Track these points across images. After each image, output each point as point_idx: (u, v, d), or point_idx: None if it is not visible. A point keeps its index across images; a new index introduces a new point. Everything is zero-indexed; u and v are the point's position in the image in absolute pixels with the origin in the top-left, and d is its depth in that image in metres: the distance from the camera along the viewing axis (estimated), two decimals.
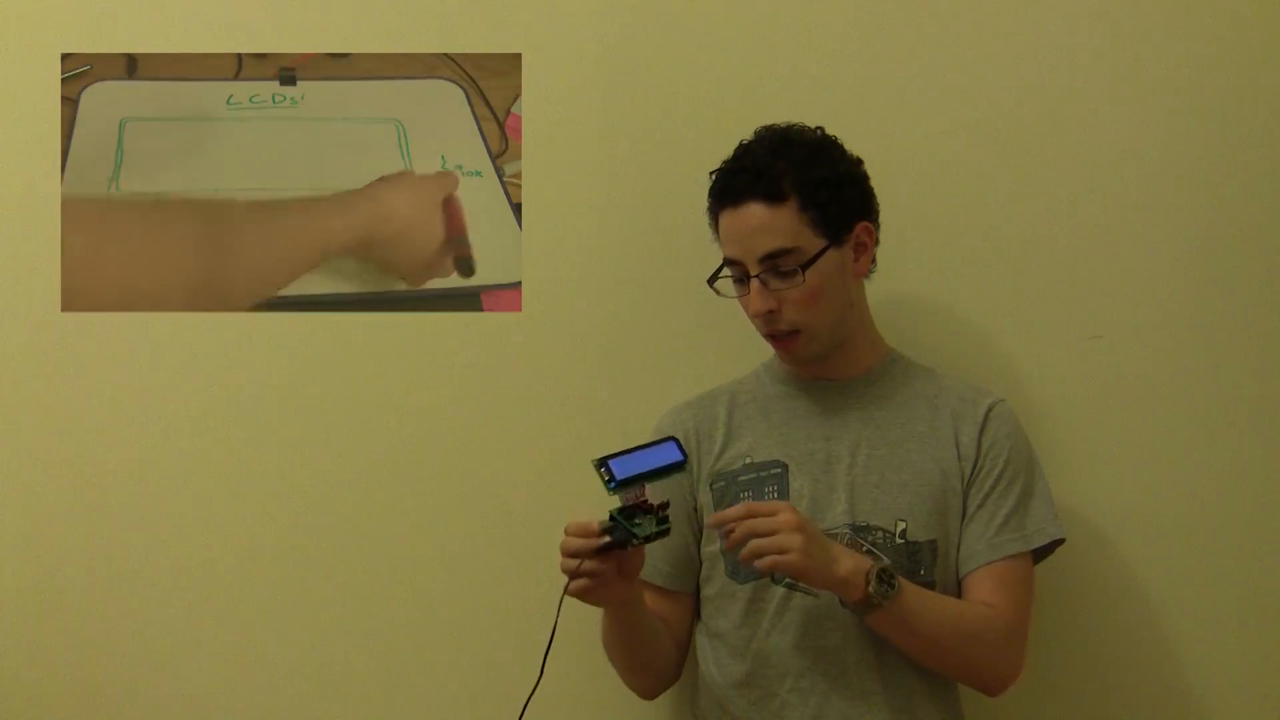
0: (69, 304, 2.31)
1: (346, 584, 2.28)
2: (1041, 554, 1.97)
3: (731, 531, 1.77)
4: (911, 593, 1.82)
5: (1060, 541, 1.97)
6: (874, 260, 1.98)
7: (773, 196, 1.87)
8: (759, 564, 1.75)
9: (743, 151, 1.94)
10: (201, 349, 2.30)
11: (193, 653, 2.30)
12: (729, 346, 2.17)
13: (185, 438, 2.30)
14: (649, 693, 2.06)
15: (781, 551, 1.74)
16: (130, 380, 2.31)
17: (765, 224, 1.87)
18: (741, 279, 1.93)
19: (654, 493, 1.76)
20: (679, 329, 2.24)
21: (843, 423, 1.97)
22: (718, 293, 1.96)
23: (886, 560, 1.85)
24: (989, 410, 1.97)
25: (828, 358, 1.97)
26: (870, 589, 1.78)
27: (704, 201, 2.17)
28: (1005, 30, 2.19)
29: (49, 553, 2.32)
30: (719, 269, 1.96)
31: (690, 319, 2.23)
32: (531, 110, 2.25)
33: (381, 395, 2.28)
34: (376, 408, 2.28)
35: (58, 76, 2.32)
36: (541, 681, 1.82)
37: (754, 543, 1.75)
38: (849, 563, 1.78)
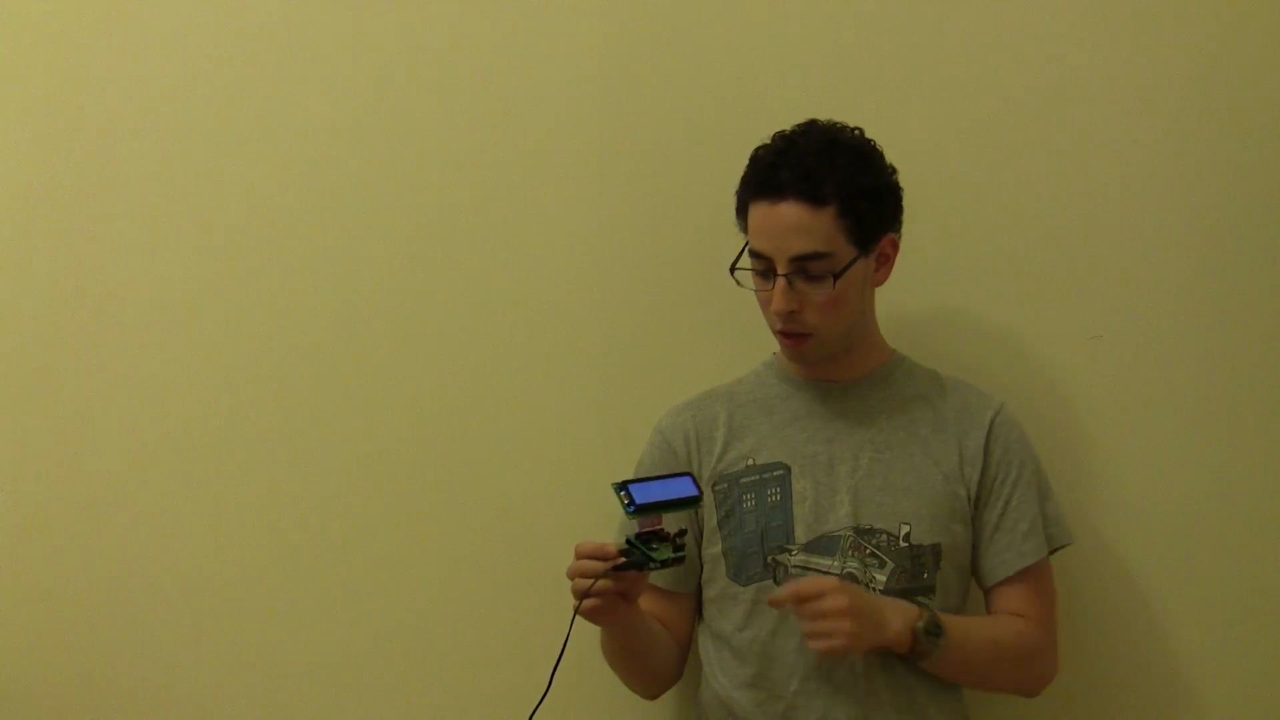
0: (70, 303, 2.31)
1: (347, 586, 2.29)
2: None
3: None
4: (956, 633, 1.85)
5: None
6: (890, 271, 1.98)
7: (815, 199, 1.84)
8: (810, 646, 1.79)
9: (787, 145, 1.90)
10: (203, 347, 2.30)
11: (193, 652, 2.31)
12: (728, 346, 2.18)
13: (185, 437, 2.31)
14: (651, 694, 2.07)
15: (830, 636, 1.76)
16: (131, 380, 2.31)
17: (803, 225, 1.84)
18: (765, 273, 1.90)
19: (669, 522, 1.78)
20: (678, 329, 2.24)
21: (846, 425, 1.97)
22: (738, 282, 1.94)
23: (930, 609, 1.86)
24: (994, 417, 1.97)
25: (833, 359, 1.97)
26: (921, 644, 1.82)
27: (705, 201, 2.18)
28: (1004, 32, 2.19)
29: (49, 553, 2.32)
30: (739, 256, 1.93)
31: (690, 319, 2.23)
32: (532, 110, 2.24)
33: (381, 395, 2.28)
34: (376, 407, 2.28)
35: (58, 76, 2.33)
36: (547, 693, 1.81)
37: (805, 628, 1.78)
38: (897, 622, 1.82)
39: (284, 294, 2.30)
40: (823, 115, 1.95)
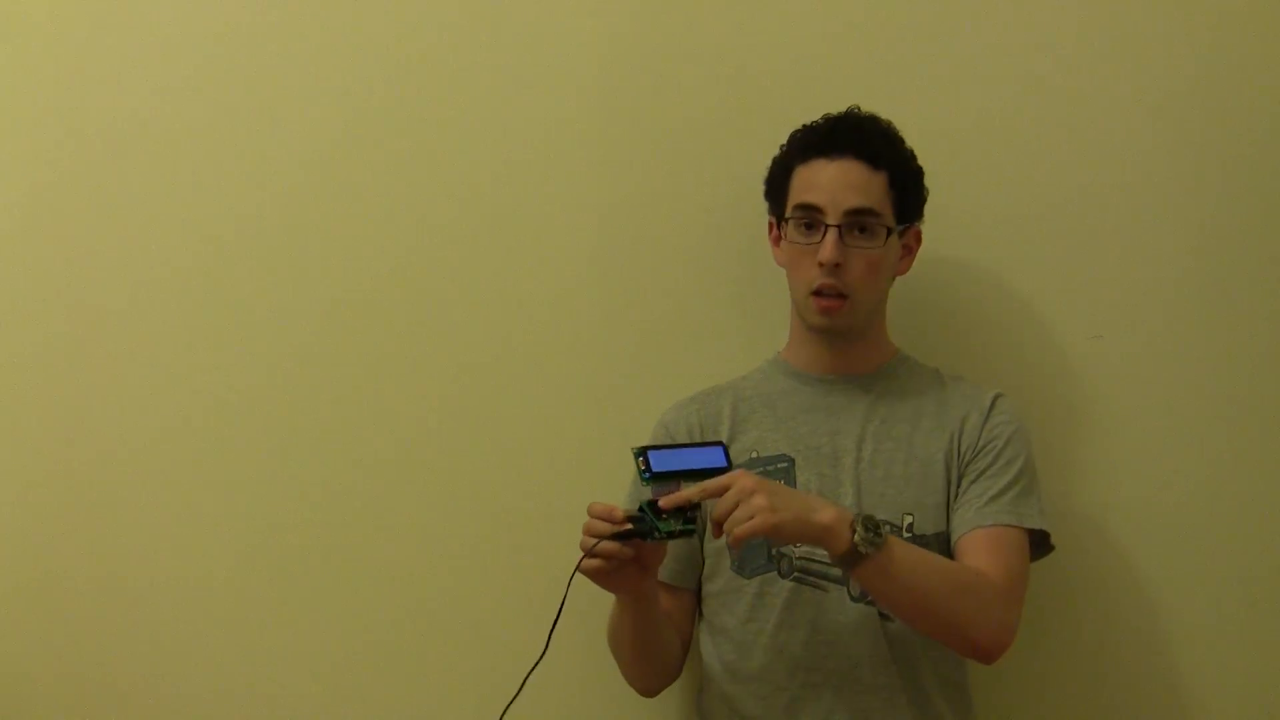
0: (70, 304, 2.31)
1: (346, 585, 2.28)
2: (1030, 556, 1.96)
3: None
4: (898, 543, 1.78)
5: (1049, 549, 1.98)
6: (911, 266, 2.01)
7: (873, 161, 1.91)
8: (733, 537, 1.68)
9: (841, 116, 1.98)
10: (203, 348, 2.30)
11: (193, 652, 2.30)
12: (730, 346, 2.18)
13: (185, 438, 2.30)
14: (651, 690, 2.06)
15: (750, 518, 1.67)
16: (131, 381, 2.31)
17: (861, 182, 1.90)
18: (812, 226, 1.92)
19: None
20: (679, 328, 2.24)
21: (850, 417, 1.98)
22: (782, 236, 1.96)
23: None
24: (994, 399, 1.98)
25: (845, 345, 1.98)
26: (856, 537, 1.72)
27: (705, 201, 2.20)
28: (1004, 29, 2.20)
29: (49, 553, 2.31)
30: (782, 211, 1.96)
31: (691, 318, 2.23)
32: (536, 110, 2.25)
33: (382, 394, 2.28)
34: (378, 407, 2.28)
35: (58, 75, 2.33)
36: (544, 668, 1.80)
37: (725, 525, 1.70)
38: (831, 510, 1.73)
39: (284, 295, 2.29)
40: (829, 112, 1.97)
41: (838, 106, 1.99)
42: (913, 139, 1.99)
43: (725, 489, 1.71)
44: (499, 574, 2.25)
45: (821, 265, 1.89)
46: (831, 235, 1.89)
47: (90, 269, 2.33)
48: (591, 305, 2.26)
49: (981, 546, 1.88)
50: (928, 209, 2.01)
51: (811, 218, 1.91)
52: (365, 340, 2.28)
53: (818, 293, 1.92)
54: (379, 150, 2.29)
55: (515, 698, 1.80)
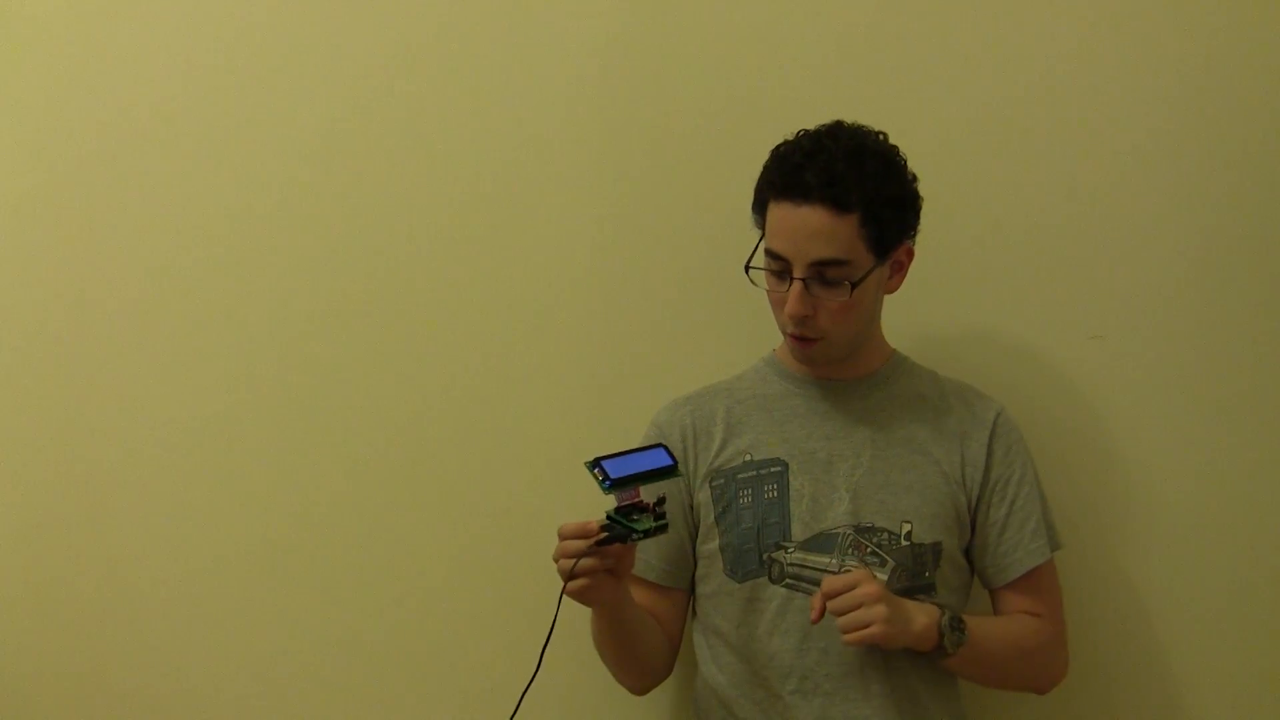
0: (71, 303, 2.32)
1: (346, 581, 2.29)
2: None
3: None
4: (978, 630, 1.86)
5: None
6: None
7: (840, 206, 1.81)
8: (845, 639, 1.78)
9: (814, 147, 1.85)
10: (203, 349, 2.30)
11: (193, 652, 2.31)
12: (728, 344, 2.18)
13: (185, 438, 2.31)
14: (640, 689, 2.06)
15: (866, 625, 1.76)
16: (131, 381, 2.32)
17: (825, 231, 1.82)
18: (781, 274, 1.88)
19: (647, 492, 1.77)
20: (678, 329, 2.24)
21: (846, 423, 1.97)
22: (753, 282, 1.92)
23: (949, 608, 1.87)
24: (996, 419, 1.98)
25: (838, 360, 1.97)
26: (945, 640, 1.82)
27: (706, 201, 2.20)
28: (1005, 30, 2.19)
29: (49, 553, 2.32)
30: (754, 253, 1.91)
31: (689, 317, 2.23)
32: (532, 110, 2.25)
33: (382, 395, 2.29)
34: (377, 408, 2.28)
35: (58, 76, 2.33)
36: (538, 676, 1.81)
37: (840, 621, 1.77)
38: (922, 618, 1.82)
39: (285, 294, 2.30)
40: (824, 115, 1.94)
41: (837, 108, 1.96)
42: (912, 139, 1.97)
43: (851, 586, 1.78)
44: (494, 575, 2.25)
45: (791, 317, 1.87)
46: (796, 289, 1.84)
47: (92, 269, 2.33)
48: (588, 305, 2.26)
49: (1030, 592, 1.97)
50: (927, 209, 1.99)
51: (780, 265, 1.87)
52: (364, 342, 2.29)
53: (792, 334, 1.91)
54: (376, 152, 2.29)
55: (514, 715, 1.83)
